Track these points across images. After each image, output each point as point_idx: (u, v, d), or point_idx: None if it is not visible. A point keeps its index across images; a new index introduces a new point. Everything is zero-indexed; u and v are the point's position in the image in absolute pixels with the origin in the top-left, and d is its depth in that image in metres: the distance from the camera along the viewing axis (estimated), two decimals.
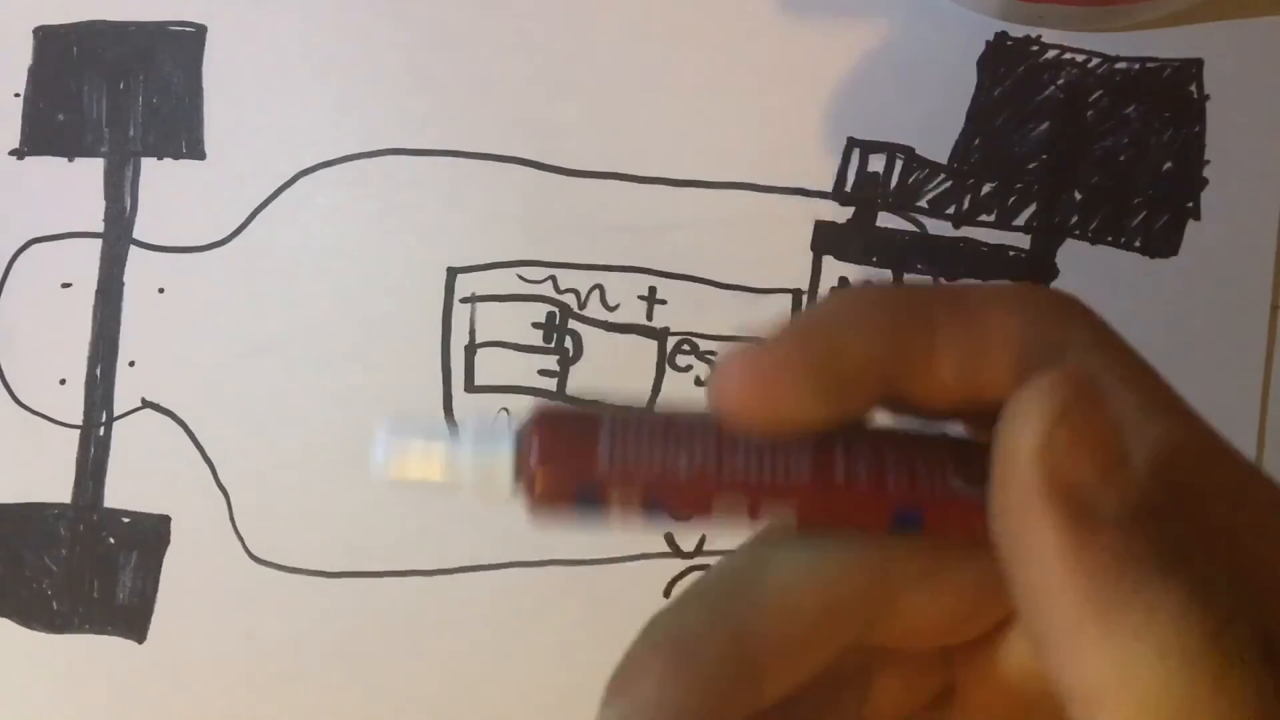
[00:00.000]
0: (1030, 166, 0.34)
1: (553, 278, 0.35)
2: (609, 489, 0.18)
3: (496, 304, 0.35)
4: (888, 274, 0.35)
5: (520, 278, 0.35)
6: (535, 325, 0.35)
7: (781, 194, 0.35)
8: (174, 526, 0.35)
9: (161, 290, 0.36)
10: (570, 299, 0.35)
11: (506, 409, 0.34)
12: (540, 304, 0.35)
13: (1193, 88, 0.34)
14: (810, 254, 0.35)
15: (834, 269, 0.35)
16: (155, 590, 0.35)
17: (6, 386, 0.36)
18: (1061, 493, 0.16)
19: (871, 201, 0.35)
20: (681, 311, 0.35)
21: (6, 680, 0.35)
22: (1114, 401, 0.17)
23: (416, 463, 0.18)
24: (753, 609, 0.19)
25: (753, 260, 0.35)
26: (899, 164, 0.35)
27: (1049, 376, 0.17)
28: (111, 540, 0.36)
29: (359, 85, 0.36)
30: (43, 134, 0.37)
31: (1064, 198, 0.34)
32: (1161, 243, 0.34)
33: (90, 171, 0.37)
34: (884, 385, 0.18)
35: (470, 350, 0.35)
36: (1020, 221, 0.34)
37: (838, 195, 0.35)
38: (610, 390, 0.34)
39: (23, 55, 0.37)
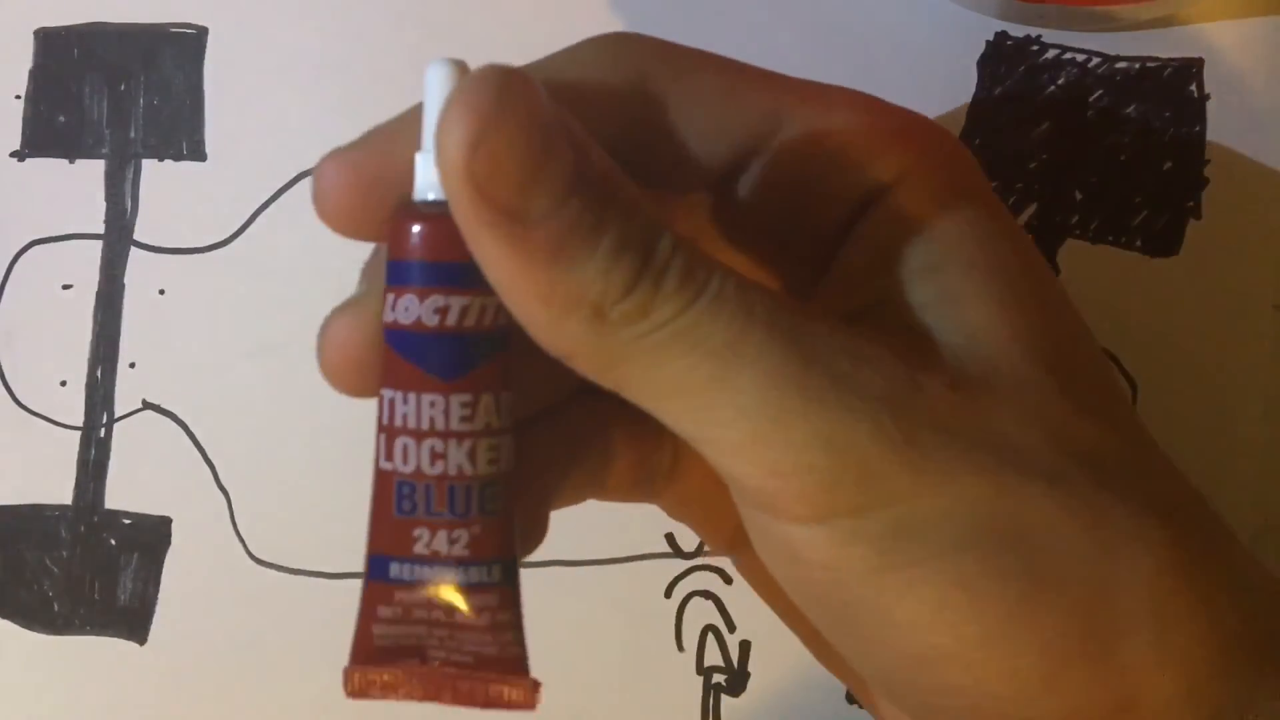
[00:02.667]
0: (1030, 166, 0.34)
1: None
2: None
3: None
4: None
5: None
6: None
7: None
8: (175, 528, 0.35)
9: (162, 291, 0.36)
10: None
11: None
12: None
13: (1193, 88, 0.34)
14: None
15: None
16: (156, 592, 0.35)
17: (7, 388, 0.36)
18: (494, 213, 0.17)
19: None
20: None
21: (7, 681, 0.35)
22: (537, 91, 0.17)
23: None
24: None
25: None
26: None
27: (464, 85, 0.17)
28: (112, 542, 0.36)
29: (359, 85, 0.36)
30: (43, 135, 0.37)
31: (1064, 198, 0.34)
32: (1162, 242, 0.34)
33: (91, 173, 0.37)
34: None
35: None
36: (1020, 221, 0.34)
37: None
38: None
39: (24, 57, 0.37)
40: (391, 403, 0.19)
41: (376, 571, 0.19)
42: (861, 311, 0.21)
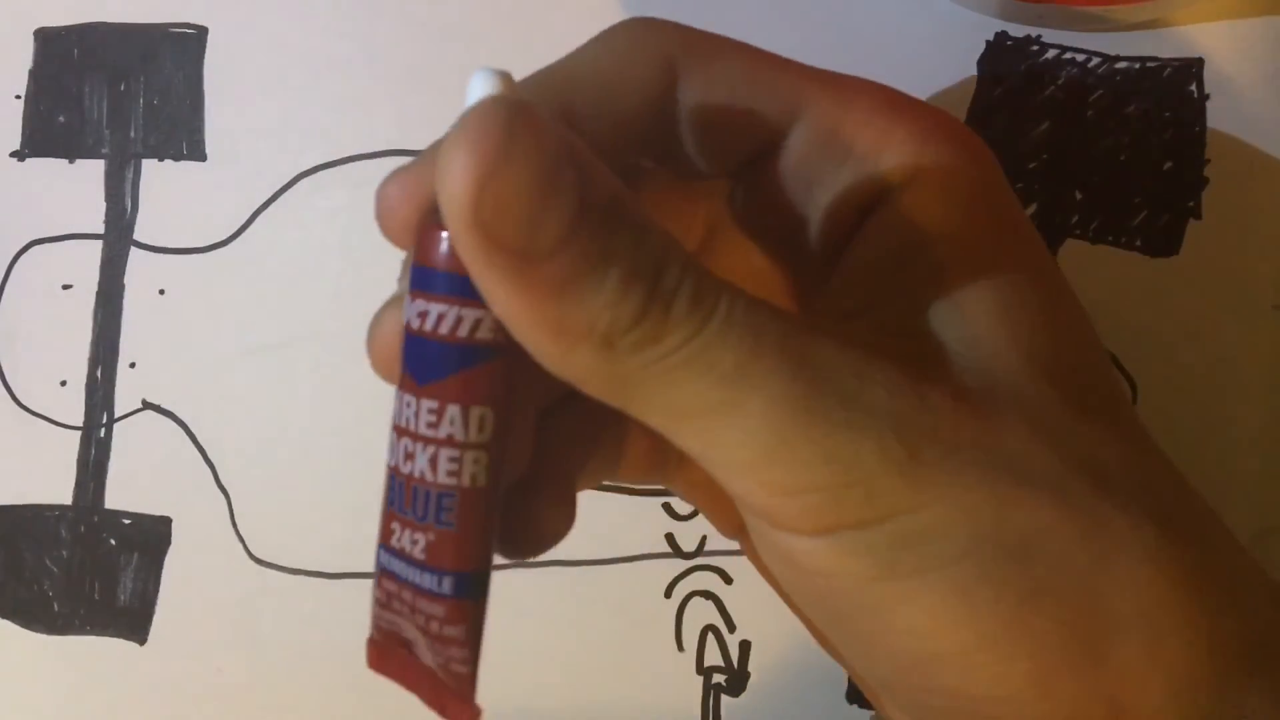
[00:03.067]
0: (1030, 166, 0.34)
1: None
2: None
3: None
4: None
5: None
6: None
7: None
8: (175, 528, 0.35)
9: (162, 291, 0.36)
10: None
11: None
12: None
13: (1193, 88, 0.34)
14: None
15: None
16: (156, 592, 0.35)
17: (7, 388, 0.36)
18: (500, 252, 0.17)
19: None
20: None
21: (7, 681, 0.35)
22: (546, 123, 0.17)
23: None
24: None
25: None
26: None
27: (468, 122, 0.16)
28: (112, 542, 0.36)
29: (359, 85, 0.36)
30: (43, 135, 0.37)
31: (1064, 198, 0.34)
32: (1162, 242, 0.34)
33: (91, 173, 0.37)
34: None
35: None
36: None
37: None
38: None
39: (24, 57, 0.37)
40: (395, 396, 0.19)
41: (377, 555, 0.19)
42: (868, 308, 0.21)
